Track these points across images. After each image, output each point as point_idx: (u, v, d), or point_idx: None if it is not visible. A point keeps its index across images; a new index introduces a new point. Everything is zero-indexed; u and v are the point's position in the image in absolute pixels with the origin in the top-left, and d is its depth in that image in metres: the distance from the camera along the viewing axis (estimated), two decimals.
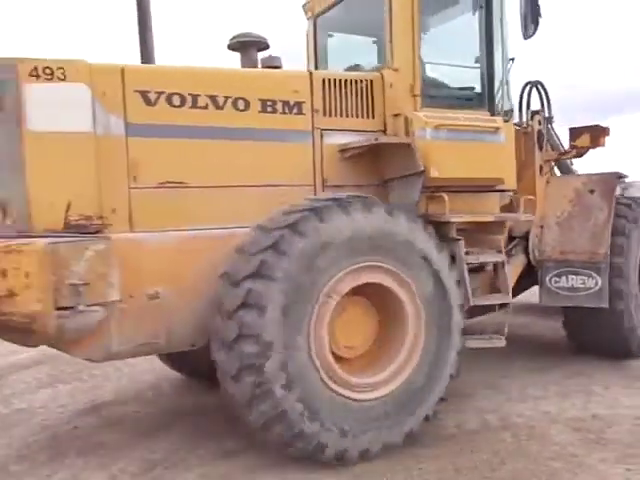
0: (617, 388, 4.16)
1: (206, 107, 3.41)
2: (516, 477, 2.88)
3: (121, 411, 4.21)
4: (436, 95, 4.14)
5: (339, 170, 3.89)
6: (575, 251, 4.63)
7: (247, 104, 3.53)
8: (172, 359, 4.60)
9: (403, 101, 4.01)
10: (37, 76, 2.98)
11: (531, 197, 4.64)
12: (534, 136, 5.18)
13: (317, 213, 3.07)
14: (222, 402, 3.27)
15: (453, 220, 3.84)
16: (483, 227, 4.11)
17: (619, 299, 4.65)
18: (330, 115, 3.85)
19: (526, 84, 5.39)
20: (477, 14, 4.34)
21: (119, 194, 3.14)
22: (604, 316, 4.61)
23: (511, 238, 4.82)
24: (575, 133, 5.43)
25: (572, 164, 5.86)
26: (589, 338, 4.74)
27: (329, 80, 3.87)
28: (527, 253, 4.85)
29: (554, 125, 5.43)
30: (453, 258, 3.73)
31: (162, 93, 3.28)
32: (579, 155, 5.51)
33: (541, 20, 4.30)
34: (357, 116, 3.96)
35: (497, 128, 4.15)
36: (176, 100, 3.32)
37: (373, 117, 4.02)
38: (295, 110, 3.73)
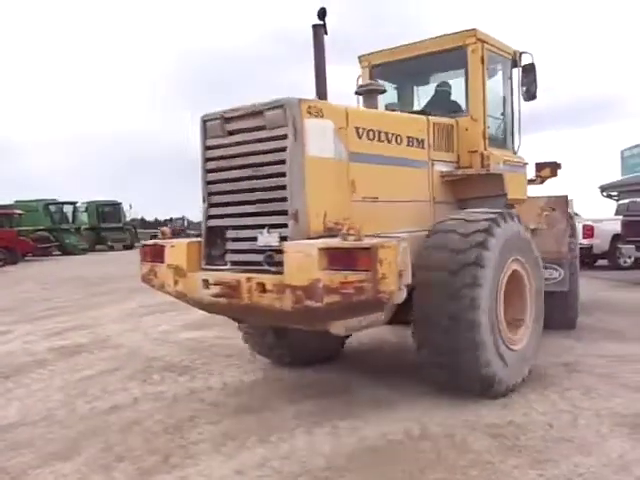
0: (532, 395, 4.30)
1: (389, 141, 4.74)
2: None
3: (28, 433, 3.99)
4: (491, 138, 5.96)
5: (440, 190, 5.38)
6: (545, 251, 5.70)
7: (400, 139, 4.87)
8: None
9: (477, 142, 5.74)
10: (310, 113, 3.97)
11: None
12: None
13: (496, 222, 4.36)
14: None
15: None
16: None
17: (574, 284, 6.64)
18: (435, 149, 5.34)
19: None
20: (507, 82, 6.41)
21: (347, 205, 4.23)
22: (562, 297, 6.38)
23: None
24: (540, 166, 7.59)
25: None
26: (548, 316, 5.43)
27: (434, 123, 5.36)
28: None
29: None
30: None
31: (365, 129, 4.47)
32: (542, 183, 7.59)
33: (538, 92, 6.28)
34: (446, 151, 5.53)
35: (525, 163, 6.63)
36: (372, 135, 4.55)
37: (452, 152, 5.63)
38: (421, 145, 5.15)
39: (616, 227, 13.77)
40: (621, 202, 19.29)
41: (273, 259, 3.92)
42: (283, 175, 3.95)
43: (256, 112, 4.11)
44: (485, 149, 5.74)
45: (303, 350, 5.33)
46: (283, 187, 3.95)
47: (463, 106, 5.96)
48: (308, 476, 3.13)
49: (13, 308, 10.42)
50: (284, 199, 3.95)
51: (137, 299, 10.95)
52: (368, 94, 5.35)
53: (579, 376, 4.80)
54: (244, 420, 4.03)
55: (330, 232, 3.93)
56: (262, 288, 3.83)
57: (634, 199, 17.45)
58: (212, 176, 4.42)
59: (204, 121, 4.41)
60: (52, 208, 32.34)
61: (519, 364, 4.51)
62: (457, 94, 6.13)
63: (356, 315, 3.85)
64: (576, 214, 18.17)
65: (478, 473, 3.06)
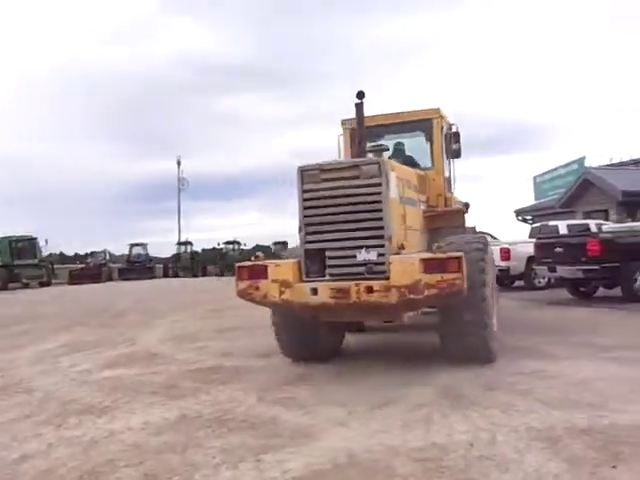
0: (453, 416, 4.39)
1: (410, 188, 6.89)
2: None
3: None
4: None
5: (424, 222, 7.26)
6: None
7: (414, 187, 7.06)
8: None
9: (441, 188, 7.91)
10: (392, 169, 6.11)
11: None
12: None
13: (486, 241, 6.45)
14: None
15: None
16: None
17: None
18: (420, 193, 7.20)
19: None
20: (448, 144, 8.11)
21: (403, 232, 6.28)
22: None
23: None
24: None
25: None
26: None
27: (419, 175, 7.30)
28: None
29: None
30: None
31: (405, 179, 6.63)
32: None
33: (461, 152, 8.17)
34: (423, 194, 7.43)
35: (467, 203, 8.61)
36: (408, 184, 6.76)
37: (425, 195, 7.58)
38: (417, 190, 7.06)
39: (530, 249, 14.46)
40: (534, 225, 20.31)
41: (372, 270, 5.60)
42: (380, 210, 5.68)
43: (353, 165, 5.89)
44: (446, 193, 7.96)
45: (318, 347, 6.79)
46: (380, 219, 5.67)
47: (416, 160, 8.02)
48: None
49: None
50: (381, 227, 5.67)
51: (55, 339, 10.44)
52: (379, 152, 6.71)
53: (498, 394, 4.96)
54: (167, 459, 3.89)
55: (401, 249, 5.79)
56: (370, 290, 5.42)
57: (545, 222, 18.42)
58: (309, 214, 5.89)
59: (302, 170, 5.93)
60: None
61: (496, 338, 6.40)
62: (410, 151, 8.20)
63: (432, 305, 6.04)
64: (494, 237, 19.02)
65: None
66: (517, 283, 16.52)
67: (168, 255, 44.41)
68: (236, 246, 43.37)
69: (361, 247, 5.68)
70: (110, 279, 38.46)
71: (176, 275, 40.73)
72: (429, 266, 5.33)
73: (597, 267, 11.50)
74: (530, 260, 14.84)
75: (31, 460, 4.06)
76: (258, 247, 44.10)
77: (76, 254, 51.53)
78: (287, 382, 5.91)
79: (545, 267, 13.19)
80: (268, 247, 43.04)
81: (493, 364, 6.15)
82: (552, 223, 17.48)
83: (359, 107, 6.47)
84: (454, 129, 8.03)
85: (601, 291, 13.19)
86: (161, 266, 43.02)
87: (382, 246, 5.65)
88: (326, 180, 5.85)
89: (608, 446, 3.56)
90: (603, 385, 5.14)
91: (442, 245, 5.82)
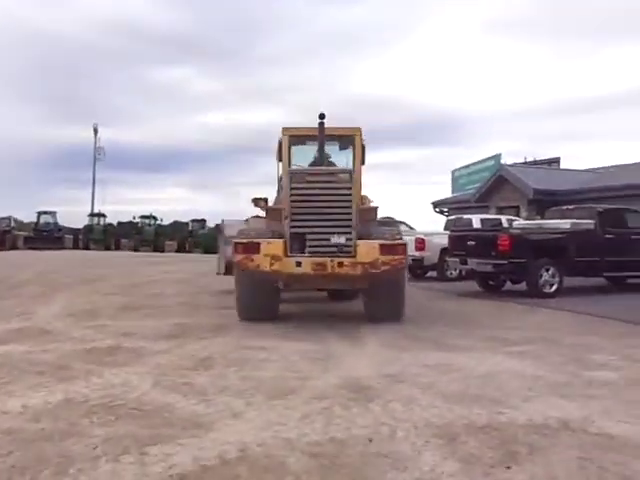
0: (355, 409, 4.28)
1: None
2: None
3: None
4: None
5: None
6: None
7: None
8: None
9: (360, 190, 8.96)
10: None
11: None
12: None
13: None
14: None
15: None
16: None
17: None
18: None
19: None
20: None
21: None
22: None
23: None
24: None
25: None
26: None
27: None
28: None
29: None
30: None
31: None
32: None
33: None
34: None
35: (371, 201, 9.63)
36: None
37: None
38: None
39: (444, 241, 14.73)
40: (449, 218, 20.79)
41: (342, 250, 7.57)
42: (350, 207, 7.80)
43: (331, 172, 8.37)
44: (361, 193, 9.02)
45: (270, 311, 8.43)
46: (349, 213, 7.78)
47: (337, 165, 9.37)
48: None
49: None
50: (350, 219, 7.77)
51: None
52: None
53: (402, 387, 4.89)
54: (41, 450, 3.53)
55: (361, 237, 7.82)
56: (341, 265, 7.43)
57: (460, 215, 18.89)
58: (295, 206, 7.83)
59: (292, 173, 8.25)
60: None
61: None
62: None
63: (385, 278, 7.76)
64: (411, 228, 19.29)
65: None
66: (430, 274, 16.86)
67: (80, 226, 42.32)
68: (152, 221, 42.00)
69: (333, 233, 7.69)
70: (15, 247, 36.30)
71: (87, 247, 38.95)
72: (385, 249, 7.56)
73: (506, 262, 11.85)
74: (444, 251, 15.14)
75: None
76: (176, 223, 42.97)
77: None
78: (188, 367, 5.61)
79: (457, 259, 13.48)
80: (186, 224, 41.97)
81: (398, 355, 6.13)
82: (466, 216, 17.95)
83: (321, 126, 8.34)
84: (364, 143, 9.35)
85: (508, 285, 13.64)
86: (71, 237, 41.00)
87: (350, 233, 7.75)
88: (310, 182, 7.95)
89: (505, 445, 3.53)
90: (504, 380, 5.18)
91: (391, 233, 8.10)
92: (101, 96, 75.81)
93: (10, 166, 66.69)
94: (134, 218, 42.50)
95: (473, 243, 12.89)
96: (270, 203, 9.37)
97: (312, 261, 7.49)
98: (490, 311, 10.37)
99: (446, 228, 17.52)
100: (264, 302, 8.29)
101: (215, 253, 15.21)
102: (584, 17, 78.56)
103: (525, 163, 32.74)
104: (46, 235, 38.38)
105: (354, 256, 7.52)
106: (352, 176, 8.00)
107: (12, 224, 40.22)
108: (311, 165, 9.25)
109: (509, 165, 27.84)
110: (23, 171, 70.52)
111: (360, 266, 7.46)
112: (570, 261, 12.13)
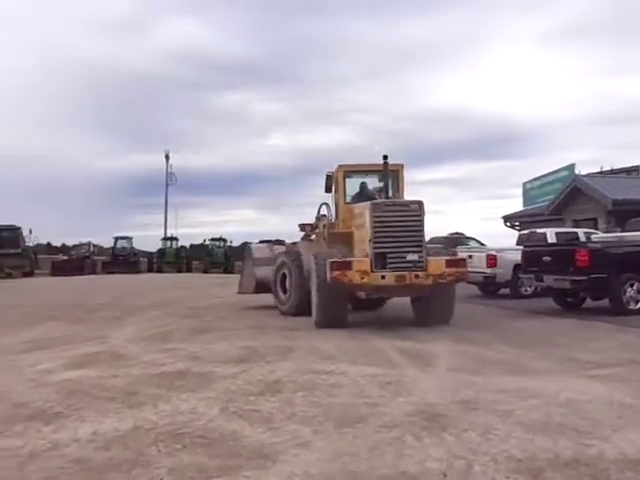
0: (428, 439, 4.05)
1: None
2: None
3: None
4: None
5: None
6: None
7: None
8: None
9: None
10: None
11: None
12: None
13: None
14: None
15: None
16: None
17: None
18: None
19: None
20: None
21: None
22: None
23: None
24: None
25: None
26: None
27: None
28: None
29: None
30: None
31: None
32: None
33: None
34: None
35: None
36: None
37: None
38: None
39: (517, 257, 14.16)
40: (522, 232, 20.04)
41: (416, 265, 9.15)
42: (422, 231, 9.44)
43: (405, 204, 9.80)
44: None
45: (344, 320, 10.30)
46: (421, 236, 9.41)
47: (374, 195, 11.08)
48: None
49: None
50: (421, 241, 9.40)
51: (23, 333, 10.02)
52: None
53: (477, 414, 4.62)
54: None
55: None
56: (417, 276, 9.08)
57: (533, 230, 18.14)
58: (377, 231, 9.38)
59: (373, 204, 9.62)
60: None
61: None
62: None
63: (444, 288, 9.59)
64: (481, 244, 18.68)
65: None
66: (502, 291, 16.25)
67: (153, 250, 43.76)
68: (222, 243, 42.88)
69: (408, 252, 9.28)
70: (93, 272, 37.80)
71: (160, 270, 40.13)
72: (449, 263, 9.40)
73: (585, 278, 11.22)
74: (517, 268, 14.55)
75: None
76: (245, 245, 43.69)
77: (63, 245, 50.79)
78: (255, 392, 5.53)
79: (532, 276, 12.90)
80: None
81: (471, 379, 5.83)
82: (540, 231, 17.20)
83: (385, 165, 10.35)
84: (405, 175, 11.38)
85: (588, 302, 12.92)
86: (145, 260, 42.42)
87: (421, 251, 9.36)
88: (387, 211, 9.49)
89: None
90: (590, 407, 4.81)
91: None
92: (171, 124, 78.63)
93: (90, 194, 70.03)
94: (204, 241, 43.55)
95: (549, 258, 12.30)
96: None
97: (394, 275, 9.17)
98: (570, 330, 9.80)
99: (519, 243, 16.86)
100: (339, 311, 10.04)
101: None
102: None
103: (601, 172, 31.29)
104: (122, 260, 39.84)
105: (426, 270, 9.19)
106: (421, 206, 9.54)
107: (91, 249, 42.03)
108: (358, 194, 11.34)
109: (584, 175, 26.68)
110: (102, 198, 73.91)
111: (431, 277, 9.18)
112: None
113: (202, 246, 43.30)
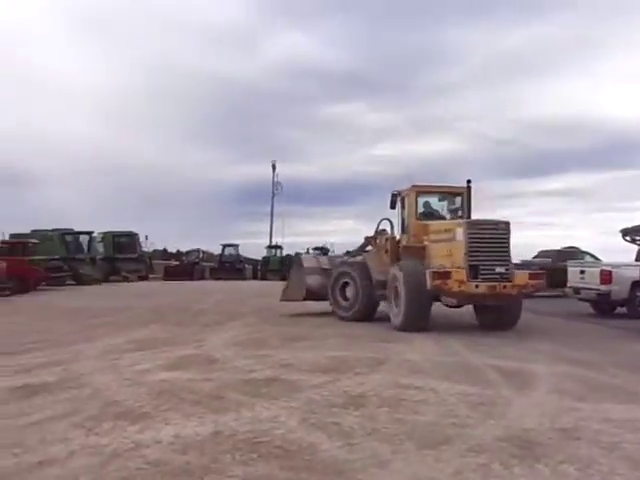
0: (518, 468, 3.70)
1: None
2: None
3: None
4: None
5: None
6: None
7: None
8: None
9: None
10: None
11: None
12: None
13: None
14: None
15: None
16: None
17: None
18: None
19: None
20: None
21: None
22: None
23: None
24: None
25: None
26: None
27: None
28: None
29: None
30: None
31: None
32: None
33: None
34: None
35: None
36: None
37: None
38: None
39: (636, 273, 13.05)
40: None
41: (503, 277, 10.37)
42: (507, 247, 10.69)
43: (493, 223, 10.90)
44: None
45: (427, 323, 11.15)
46: (507, 251, 10.70)
47: (440, 214, 12.67)
48: None
49: None
50: (508, 255, 10.70)
51: (129, 334, 10.52)
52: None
53: (578, 445, 4.19)
54: None
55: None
56: (505, 287, 10.26)
57: None
58: (472, 245, 10.47)
59: (468, 223, 10.83)
60: (68, 238, 32.32)
61: None
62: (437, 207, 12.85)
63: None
64: (596, 258, 17.45)
65: None
66: (619, 310, 15.02)
67: (259, 257, 44.92)
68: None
69: (497, 265, 10.50)
70: (202, 277, 39.42)
71: (264, 277, 41.08)
72: (532, 276, 10.82)
73: None
74: (635, 285, 13.40)
75: (47, 468, 3.82)
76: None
77: (178, 251, 53.43)
78: (339, 405, 5.39)
79: None
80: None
81: (575, 405, 5.33)
82: None
83: (469, 189, 11.93)
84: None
85: None
86: (251, 268, 43.63)
87: (508, 265, 10.70)
88: (480, 229, 10.71)
89: None
90: None
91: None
92: (278, 134, 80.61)
93: (203, 202, 73.32)
94: (307, 250, 44.12)
95: None
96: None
97: (486, 284, 10.30)
98: None
99: (638, 259, 15.54)
100: (423, 317, 10.96)
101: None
102: None
103: None
104: (229, 266, 41.24)
105: (512, 281, 10.45)
106: (508, 225, 10.86)
107: (200, 256, 43.87)
108: (424, 213, 12.48)
109: None
110: (213, 207, 77.13)
111: (516, 288, 10.50)
112: None
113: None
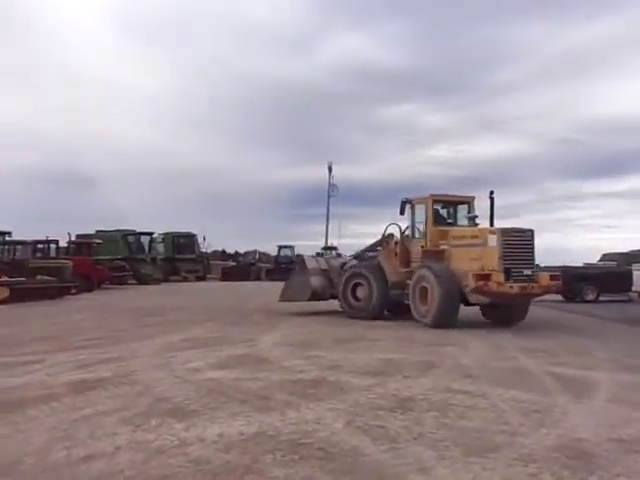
0: None
1: None
2: None
3: None
4: None
5: None
6: None
7: None
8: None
9: None
10: None
11: None
12: None
13: None
14: None
15: None
16: None
17: None
18: None
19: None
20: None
21: None
22: None
23: None
24: None
25: None
26: None
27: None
28: None
29: None
30: None
31: None
32: None
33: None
34: None
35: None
36: None
37: None
38: None
39: None
40: None
41: (529, 279, 11.69)
42: (532, 252, 12.04)
43: (522, 230, 12.16)
44: None
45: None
46: (532, 255, 12.06)
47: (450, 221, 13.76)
48: None
49: (58, 337, 10.42)
50: (533, 259, 12.12)
51: (184, 333, 10.73)
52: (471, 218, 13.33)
53: (636, 458, 3.95)
54: None
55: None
56: (532, 287, 11.61)
57: None
58: (506, 251, 11.54)
59: (502, 231, 11.76)
60: (130, 238, 33.41)
61: None
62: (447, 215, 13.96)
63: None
64: None
65: None
66: None
67: None
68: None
69: (524, 268, 11.73)
70: (258, 278, 39.85)
71: None
72: (552, 277, 12.13)
73: None
74: None
75: (93, 462, 3.90)
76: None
77: (236, 252, 54.31)
78: (385, 408, 5.28)
79: None
80: None
81: (636, 415, 5.05)
82: None
83: (492, 200, 12.85)
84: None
85: None
86: None
87: (533, 268, 12.09)
88: (511, 237, 11.83)
89: None
90: None
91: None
92: (334, 137, 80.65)
93: (259, 204, 74.30)
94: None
95: None
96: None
97: (519, 285, 11.47)
98: None
99: None
100: (454, 314, 11.94)
101: None
102: None
103: None
104: (284, 267, 41.47)
105: (537, 282, 11.79)
106: (533, 233, 12.16)
107: (257, 257, 44.38)
108: (438, 221, 13.27)
109: None
110: (270, 208, 77.93)
111: (542, 288, 11.95)
112: None
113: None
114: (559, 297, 22.62)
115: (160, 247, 37.19)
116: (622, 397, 5.76)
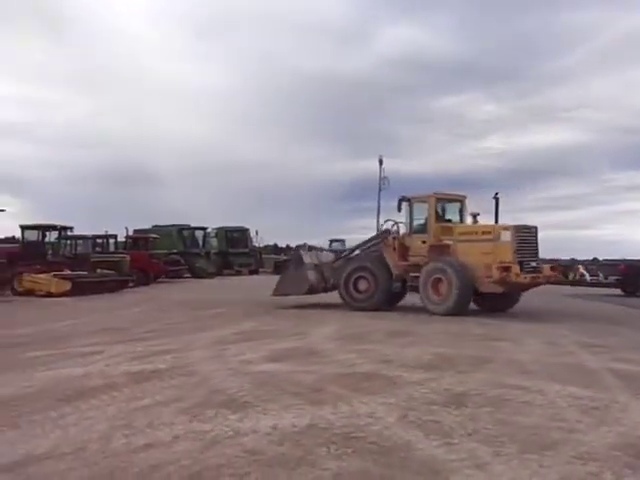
0: None
1: None
2: None
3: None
4: None
5: None
6: None
7: None
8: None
9: None
10: None
11: None
12: None
13: None
14: None
15: None
16: None
17: None
18: None
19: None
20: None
21: None
22: None
23: None
24: None
25: None
26: None
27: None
28: None
29: None
30: None
31: None
32: None
33: None
34: None
35: None
36: None
37: None
38: None
39: None
40: None
41: (535, 270, 13.24)
42: (537, 247, 13.58)
43: (529, 227, 13.58)
44: None
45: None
46: (537, 250, 13.58)
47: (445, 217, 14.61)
48: None
49: (118, 328, 10.76)
50: (537, 253, 13.62)
51: (237, 326, 10.91)
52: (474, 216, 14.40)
53: None
54: (274, 476, 3.55)
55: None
56: (539, 277, 13.25)
57: None
58: (519, 245, 12.80)
59: (515, 227, 12.94)
60: (185, 233, 34.07)
61: None
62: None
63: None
64: None
65: None
66: None
67: None
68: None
69: (531, 260, 13.18)
70: None
71: None
72: (552, 268, 14.12)
73: None
74: None
75: (151, 450, 4.01)
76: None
77: (287, 246, 54.74)
78: (439, 403, 5.23)
79: None
80: None
81: None
82: None
83: (497, 201, 14.50)
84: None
85: None
86: None
87: (537, 260, 13.50)
88: (523, 233, 13.16)
89: None
90: None
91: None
92: (386, 129, 80.00)
93: (311, 198, 74.68)
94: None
95: None
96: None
97: (530, 275, 12.89)
98: None
99: None
100: (469, 302, 13.26)
101: None
102: None
103: None
104: None
105: (542, 272, 13.36)
106: (537, 229, 13.70)
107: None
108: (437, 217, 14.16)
109: None
110: (321, 202, 78.11)
111: (545, 277, 13.49)
112: None
113: None
114: (618, 291, 21.88)
115: (214, 242, 37.78)
116: None
